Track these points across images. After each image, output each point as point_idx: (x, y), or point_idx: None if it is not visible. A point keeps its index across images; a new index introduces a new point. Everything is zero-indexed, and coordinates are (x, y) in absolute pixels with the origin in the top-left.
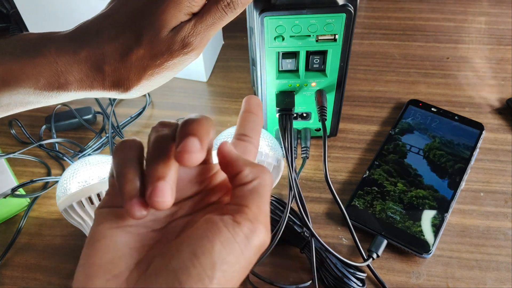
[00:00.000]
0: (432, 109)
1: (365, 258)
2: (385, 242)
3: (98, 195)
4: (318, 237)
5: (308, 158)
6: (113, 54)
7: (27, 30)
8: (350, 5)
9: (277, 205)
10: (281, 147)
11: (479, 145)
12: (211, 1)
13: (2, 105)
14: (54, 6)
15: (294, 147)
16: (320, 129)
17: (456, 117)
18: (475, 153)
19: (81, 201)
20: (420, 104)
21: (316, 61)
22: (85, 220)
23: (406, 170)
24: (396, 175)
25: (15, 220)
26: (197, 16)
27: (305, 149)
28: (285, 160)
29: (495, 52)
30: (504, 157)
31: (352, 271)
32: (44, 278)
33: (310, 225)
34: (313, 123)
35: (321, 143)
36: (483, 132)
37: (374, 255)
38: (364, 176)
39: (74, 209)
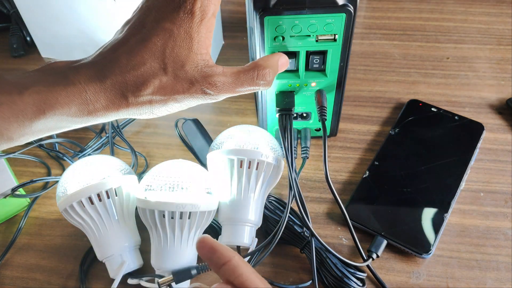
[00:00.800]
0: (432, 109)
1: (365, 258)
2: (385, 242)
3: (98, 195)
4: (318, 237)
5: (308, 158)
6: (135, 83)
7: (27, 30)
8: (350, 5)
9: (277, 205)
10: (281, 147)
11: (479, 145)
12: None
13: (36, 131)
14: (54, 6)
15: (294, 147)
16: (320, 129)
17: (456, 117)
18: (475, 153)
19: (81, 201)
20: (420, 104)
21: (316, 61)
22: (85, 220)
23: (406, 170)
24: (396, 175)
25: (15, 220)
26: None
27: (305, 149)
28: (285, 160)
29: (495, 52)
30: (504, 157)
31: (352, 271)
32: (44, 278)
33: (310, 225)
34: (313, 123)
35: (321, 143)
36: (483, 132)
37: (374, 255)
38: (364, 176)
39: (74, 209)
